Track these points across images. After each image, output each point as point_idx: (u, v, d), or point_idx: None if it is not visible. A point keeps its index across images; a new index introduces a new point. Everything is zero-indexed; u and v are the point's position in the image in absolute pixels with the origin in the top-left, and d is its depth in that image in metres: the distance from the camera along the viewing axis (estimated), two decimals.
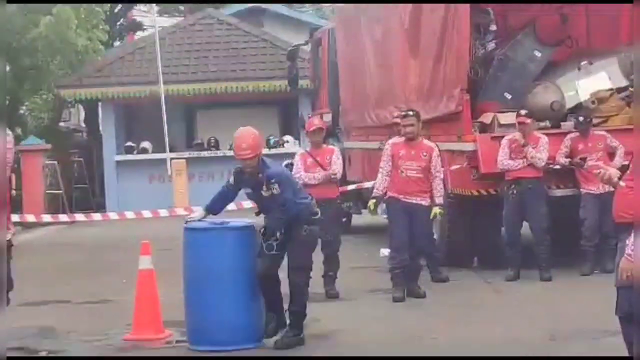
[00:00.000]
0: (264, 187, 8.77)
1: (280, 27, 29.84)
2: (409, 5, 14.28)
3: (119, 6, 30.81)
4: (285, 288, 9.03)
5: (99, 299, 11.99)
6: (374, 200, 11.48)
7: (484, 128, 12.90)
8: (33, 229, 20.55)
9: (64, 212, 22.09)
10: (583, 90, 13.50)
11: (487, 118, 12.99)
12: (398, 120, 12.52)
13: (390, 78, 15.33)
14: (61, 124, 30.19)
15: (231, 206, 9.62)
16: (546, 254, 12.13)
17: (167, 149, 24.81)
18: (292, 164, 11.79)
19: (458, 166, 12.69)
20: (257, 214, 9.03)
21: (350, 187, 15.64)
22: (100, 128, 28.36)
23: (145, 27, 32.30)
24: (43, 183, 23.59)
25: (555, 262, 12.21)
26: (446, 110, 13.03)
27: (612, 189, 6.90)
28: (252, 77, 25.61)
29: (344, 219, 16.28)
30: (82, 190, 26.45)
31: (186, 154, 25.54)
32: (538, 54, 13.92)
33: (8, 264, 8.61)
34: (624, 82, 13.30)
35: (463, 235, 12.98)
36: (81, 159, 27.25)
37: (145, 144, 25.91)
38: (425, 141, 11.42)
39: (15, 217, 12.45)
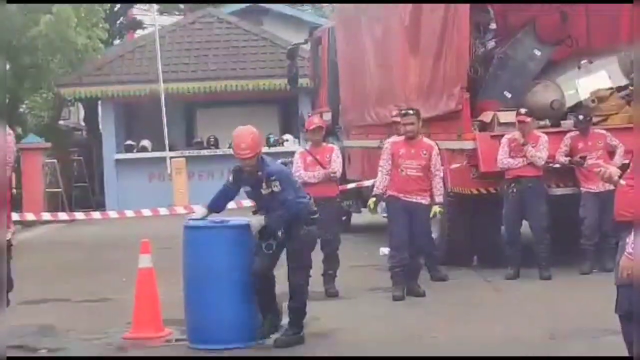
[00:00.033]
0: (264, 185, 8.76)
1: (280, 25, 29.85)
2: (409, 5, 14.28)
3: (119, 5, 30.81)
4: (284, 287, 9.03)
5: (98, 298, 11.99)
6: (374, 199, 11.49)
7: (484, 127, 12.90)
8: (32, 227, 20.56)
9: (63, 211, 22.08)
10: (583, 89, 13.50)
11: (487, 117, 12.99)
12: (397, 119, 12.52)
13: (390, 76, 15.32)
14: (61, 122, 30.22)
15: (231, 204, 9.61)
16: (546, 252, 12.13)
17: (167, 147, 24.81)
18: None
19: (458, 165, 12.69)
20: (255, 212, 9.02)
21: (350, 185, 15.63)
22: (100, 126, 28.37)
23: (145, 25, 32.31)
24: (43, 181, 23.59)
25: (555, 260, 12.21)
26: (446, 108, 13.03)
27: (612, 187, 6.90)
28: (252, 76, 25.62)
29: (343, 218, 16.30)
30: (81, 189, 26.47)
31: (186, 153, 25.56)
32: (538, 52, 13.92)
33: (8, 264, 8.60)
34: (624, 81, 13.30)
35: (463, 234, 12.98)
36: (81, 157, 27.26)
37: (145, 143, 25.92)
38: (425, 140, 11.41)
39: (14, 216, 12.44)
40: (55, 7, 22.59)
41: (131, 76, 25.82)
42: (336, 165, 11.53)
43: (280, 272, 9.00)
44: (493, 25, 14.02)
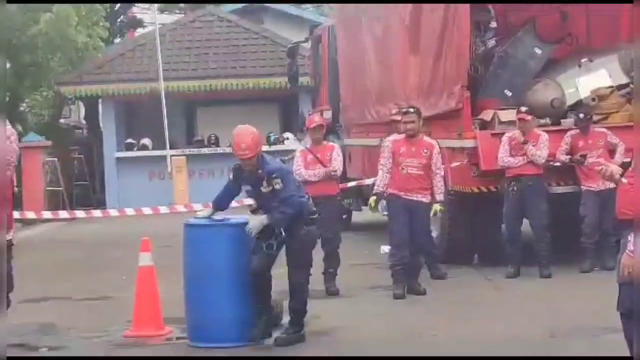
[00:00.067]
0: (264, 184, 8.75)
1: (281, 24, 29.83)
2: (410, 4, 14.28)
3: (119, 4, 30.81)
4: (284, 285, 9.03)
5: (99, 296, 12.00)
6: (374, 198, 11.49)
7: (485, 125, 12.90)
8: (33, 225, 20.55)
9: (64, 209, 22.07)
10: (583, 87, 13.49)
11: (487, 115, 12.99)
12: (396, 117, 12.53)
13: (390, 75, 15.32)
14: (61, 120, 30.18)
15: (233, 203, 9.61)
16: (546, 251, 12.14)
17: (167, 145, 24.80)
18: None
19: (458, 163, 12.69)
20: (253, 211, 9.01)
21: (351, 184, 15.65)
22: (101, 125, 28.37)
23: (145, 24, 32.30)
24: (43, 180, 23.58)
25: (555, 259, 12.22)
26: (446, 107, 13.02)
27: (612, 186, 6.91)
28: (252, 74, 25.62)
29: (344, 216, 16.31)
30: (82, 187, 26.47)
31: (186, 151, 25.56)
32: (538, 51, 13.91)
33: (9, 264, 8.59)
34: (624, 80, 13.29)
35: (463, 232, 12.99)
36: (81, 155, 27.25)
37: (146, 141, 25.92)
38: (426, 138, 11.41)
39: (15, 214, 12.43)
40: (56, 6, 22.59)
41: (132, 74, 25.83)
42: (337, 164, 11.53)
43: (280, 271, 8.99)
44: (493, 24, 14.02)
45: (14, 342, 8.91)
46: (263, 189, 8.78)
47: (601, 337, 8.57)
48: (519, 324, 9.49)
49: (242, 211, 10.00)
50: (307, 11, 33.51)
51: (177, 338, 9.32)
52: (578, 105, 13.38)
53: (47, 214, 18.45)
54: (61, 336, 9.70)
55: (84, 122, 32.11)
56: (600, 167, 6.83)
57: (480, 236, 13.03)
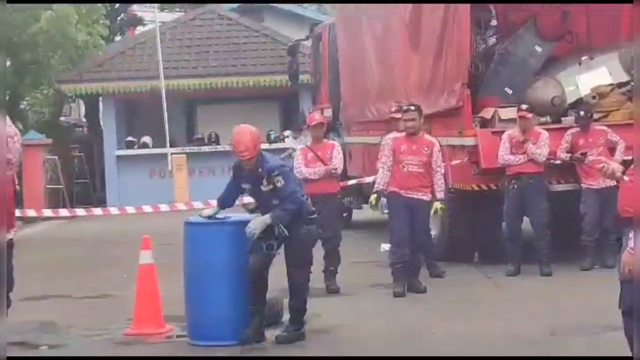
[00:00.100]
0: (264, 182, 8.74)
1: (281, 22, 29.84)
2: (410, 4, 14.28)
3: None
4: (284, 283, 9.03)
5: (99, 294, 12.00)
6: (375, 195, 11.49)
7: (485, 123, 12.90)
8: (33, 223, 20.55)
9: (64, 207, 22.09)
10: (584, 85, 13.49)
11: (487, 113, 12.98)
12: (396, 115, 12.52)
13: (391, 73, 15.31)
14: (62, 118, 30.20)
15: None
16: (547, 249, 12.13)
17: (168, 143, 24.80)
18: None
19: (459, 161, 12.68)
20: (252, 211, 8.99)
21: (351, 182, 15.64)
22: (101, 123, 28.36)
23: (145, 22, 32.27)
24: (43, 178, 23.56)
25: (555, 257, 12.22)
26: (447, 105, 13.02)
27: (612, 184, 6.91)
28: (252, 72, 25.61)
29: (344, 214, 16.31)
30: (82, 185, 26.46)
31: (187, 149, 25.56)
32: (539, 48, 13.91)
33: (9, 264, 8.59)
34: (624, 77, 13.29)
35: (464, 230, 12.99)
36: (82, 153, 27.23)
37: (146, 139, 25.91)
38: (427, 136, 11.41)
39: (15, 212, 12.43)
40: (56, 5, 22.58)
41: (132, 72, 25.81)
42: (337, 162, 11.52)
43: (279, 270, 8.99)
44: (494, 22, 14.01)
45: (15, 340, 8.91)
46: (263, 188, 8.77)
47: (601, 335, 8.57)
48: (520, 322, 9.49)
49: (242, 209, 10.00)
50: (308, 9, 33.47)
51: (178, 336, 9.31)
52: (578, 103, 13.38)
53: (47, 212, 18.45)
54: (61, 334, 9.70)
55: (84, 120, 32.10)
56: (601, 165, 6.84)
57: (480, 234, 13.02)
